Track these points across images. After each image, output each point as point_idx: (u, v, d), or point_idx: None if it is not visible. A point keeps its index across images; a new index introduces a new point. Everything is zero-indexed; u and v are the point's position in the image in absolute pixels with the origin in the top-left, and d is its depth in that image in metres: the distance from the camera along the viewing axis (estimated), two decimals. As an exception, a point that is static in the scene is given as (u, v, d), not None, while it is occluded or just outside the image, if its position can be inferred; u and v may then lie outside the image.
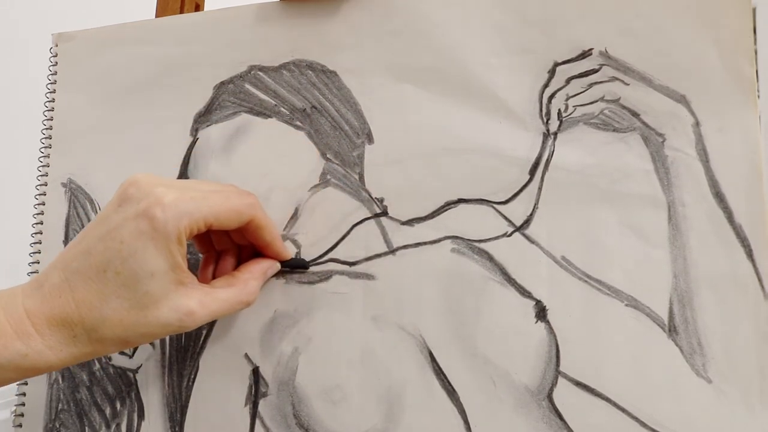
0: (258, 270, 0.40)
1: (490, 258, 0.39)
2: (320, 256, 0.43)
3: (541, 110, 0.40)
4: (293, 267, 0.43)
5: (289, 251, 0.42)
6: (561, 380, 0.37)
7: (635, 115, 0.38)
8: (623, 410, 0.36)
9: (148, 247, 0.33)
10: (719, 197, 0.36)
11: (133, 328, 0.34)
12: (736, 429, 0.34)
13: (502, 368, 0.38)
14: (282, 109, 0.45)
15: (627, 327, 0.36)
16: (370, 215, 0.42)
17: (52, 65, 0.52)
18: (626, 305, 0.37)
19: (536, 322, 0.38)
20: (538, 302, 0.38)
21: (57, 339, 0.33)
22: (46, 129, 0.51)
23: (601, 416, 0.36)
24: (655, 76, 0.38)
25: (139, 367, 0.45)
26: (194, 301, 0.35)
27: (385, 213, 0.42)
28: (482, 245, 0.40)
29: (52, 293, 0.34)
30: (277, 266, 0.42)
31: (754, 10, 0.37)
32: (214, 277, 0.42)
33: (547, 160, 0.39)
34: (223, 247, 0.42)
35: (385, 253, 0.41)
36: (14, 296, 0.35)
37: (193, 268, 0.42)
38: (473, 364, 0.39)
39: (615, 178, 0.38)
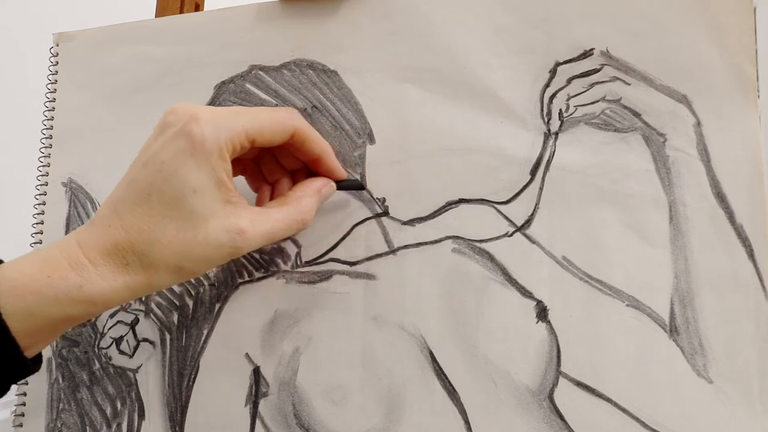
0: (311, 188, 0.39)
1: (491, 258, 0.39)
2: (321, 256, 0.43)
3: (542, 110, 0.40)
4: (349, 188, 0.41)
5: (343, 170, 0.41)
6: (562, 380, 0.37)
7: (636, 115, 0.38)
8: (624, 410, 0.36)
9: (188, 163, 0.33)
10: (720, 197, 0.36)
11: (183, 250, 0.34)
12: (737, 429, 0.34)
13: (502, 368, 0.38)
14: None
15: (628, 327, 0.36)
16: (371, 215, 0.42)
17: (53, 65, 0.52)
18: (627, 305, 0.37)
19: (537, 322, 0.38)
20: (539, 302, 0.38)
21: (109, 268, 0.33)
22: (47, 129, 0.51)
23: (602, 416, 0.36)
24: (657, 76, 0.38)
25: (139, 367, 0.45)
26: (245, 221, 0.35)
27: (386, 213, 0.42)
28: (483, 245, 0.40)
29: (102, 224, 0.34)
30: (333, 186, 0.40)
31: (754, 10, 0.37)
32: None
33: (548, 160, 0.39)
34: (275, 177, 0.41)
35: (386, 253, 0.41)
36: (69, 235, 0.35)
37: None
38: (474, 364, 0.39)
39: (616, 178, 0.38)
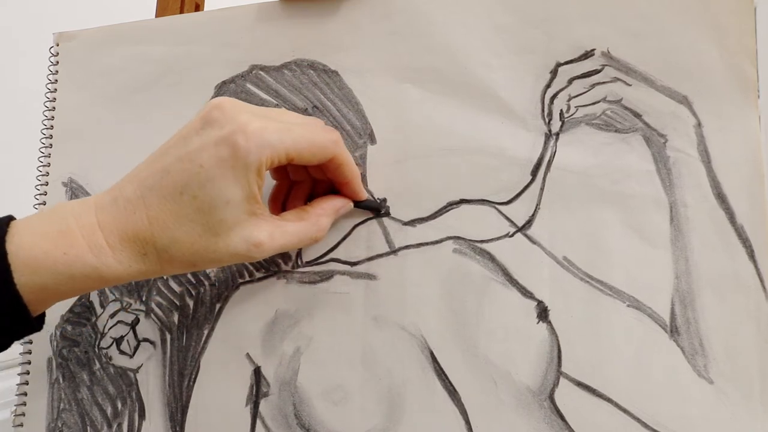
0: (330, 207, 0.40)
1: (492, 258, 0.39)
2: (322, 256, 0.43)
3: (543, 110, 0.40)
4: (366, 208, 0.42)
5: (365, 193, 0.42)
6: (562, 381, 0.37)
7: (637, 115, 0.38)
8: (625, 411, 0.36)
9: (227, 175, 0.33)
10: (721, 198, 0.36)
11: (202, 253, 0.34)
12: (738, 430, 0.34)
13: (503, 369, 0.38)
14: (284, 108, 0.45)
15: (629, 328, 0.36)
16: (372, 215, 0.42)
17: (53, 65, 0.52)
18: (628, 306, 0.37)
19: (538, 322, 0.38)
20: (540, 303, 0.38)
21: (127, 255, 0.34)
22: (47, 129, 0.51)
23: (602, 417, 0.36)
24: (657, 77, 0.38)
25: (139, 367, 0.45)
26: (264, 233, 0.35)
27: (387, 213, 0.42)
28: (484, 246, 0.40)
29: (127, 208, 0.34)
30: (350, 205, 0.41)
31: (754, 10, 0.37)
32: (283, 207, 0.42)
33: (549, 160, 0.39)
34: (298, 179, 0.42)
35: (387, 254, 0.41)
36: (87, 207, 0.35)
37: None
38: (474, 364, 0.39)
39: (617, 179, 0.38)
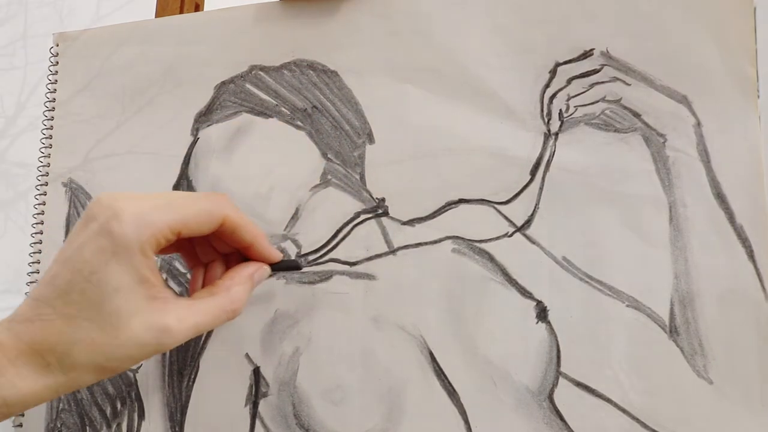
0: (242, 275, 0.37)
1: (491, 258, 0.39)
2: (321, 256, 0.43)
3: (542, 110, 0.40)
4: (285, 269, 0.40)
5: (278, 252, 0.39)
6: (562, 381, 0.37)
7: (636, 115, 0.38)
8: (624, 411, 0.36)
9: (110, 262, 0.32)
10: (720, 198, 0.36)
11: (106, 350, 0.32)
12: (737, 430, 0.34)
13: (502, 369, 0.38)
14: (283, 108, 0.45)
15: (628, 328, 0.36)
16: (370, 215, 0.42)
17: (53, 65, 0.52)
18: (627, 306, 0.37)
19: (537, 322, 0.38)
20: (539, 303, 0.38)
21: (29, 369, 0.32)
22: (47, 129, 0.51)
23: (601, 417, 0.36)
24: (657, 77, 0.38)
25: (139, 367, 0.45)
26: (170, 316, 0.33)
27: (385, 213, 0.42)
28: (483, 245, 0.40)
29: (22, 323, 0.33)
30: (266, 269, 0.38)
31: (754, 10, 0.37)
32: None
33: (548, 160, 0.39)
34: (209, 259, 0.40)
35: (386, 253, 0.41)
36: None
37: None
38: (474, 364, 0.39)
39: (616, 179, 0.38)
